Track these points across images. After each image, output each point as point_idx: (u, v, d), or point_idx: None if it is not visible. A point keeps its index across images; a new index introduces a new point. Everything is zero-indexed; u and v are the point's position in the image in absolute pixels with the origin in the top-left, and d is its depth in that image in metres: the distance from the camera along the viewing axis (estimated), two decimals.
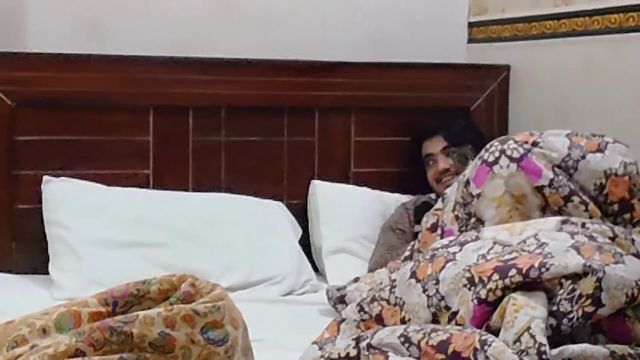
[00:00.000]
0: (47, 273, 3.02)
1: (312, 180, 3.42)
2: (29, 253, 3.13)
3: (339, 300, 2.69)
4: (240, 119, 3.36)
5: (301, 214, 3.36)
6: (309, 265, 3.22)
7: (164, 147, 3.29)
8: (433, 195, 3.27)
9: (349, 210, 3.35)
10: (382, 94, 3.56)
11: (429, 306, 2.27)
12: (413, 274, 2.33)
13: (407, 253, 2.74)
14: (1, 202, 3.13)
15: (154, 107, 3.28)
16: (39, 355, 1.96)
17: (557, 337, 2.07)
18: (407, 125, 3.51)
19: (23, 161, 3.17)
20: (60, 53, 3.21)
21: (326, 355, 2.27)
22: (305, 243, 3.31)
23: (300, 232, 3.29)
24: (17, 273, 3.10)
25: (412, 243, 2.77)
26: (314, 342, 2.35)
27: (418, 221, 3.02)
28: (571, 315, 2.09)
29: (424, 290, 2.29)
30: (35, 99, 3.16)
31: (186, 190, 3.30)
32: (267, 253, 3.13)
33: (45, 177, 3.15)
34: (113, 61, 3.26)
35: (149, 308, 1.99)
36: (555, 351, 1.98)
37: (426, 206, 3.08)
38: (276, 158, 3.43)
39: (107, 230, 3.05)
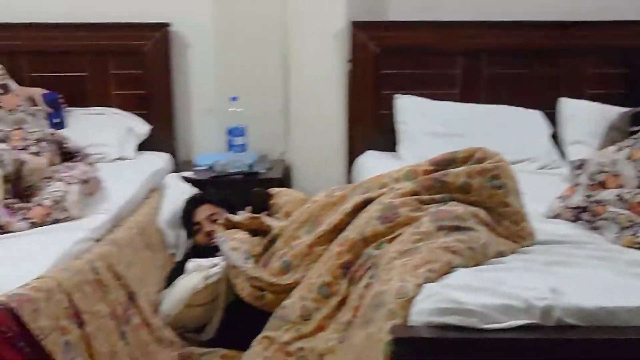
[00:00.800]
0: (395, 151, 3.13)
1: (559, 98, 3.20)
2: (385, 140, 3.19)
3: (577, 167, 2.60)
4: (508, 59, 3.23)
5: (552, 119, 3.20)
6: (556, 151, 3.09)
7: (466, 78, 3.22)
8: None
9: (586, 117, 3.11)
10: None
11: (637, 177, 2.14)
12: (629, 156, 2.19)
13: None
14: (372, 108, 3.21)
15: (461, 52, 3.21)
16: (393, 193, 2.05)
17: None
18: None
19: (385, 85, 3.20)
20: (405, 20, 3.21)
21: (565, 205, 2.25)
22: (555, 137, 3.16)
23: (551, 129, 3.14)
24: (380, 150, 3.19)
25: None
26: (558, 197, 2.32)
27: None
28: None
29: (635, 167, 2.16)
30: (392, 48, 3.18)
31: (480, 103, 3.20)
32: (529, 142, 3.02)
33: (396, 95, 3.20)
34: (437, 25, 3.19)
35: (457, 167, 2.04)
36: None
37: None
38: (535, 85, 3.23)
39: (431, 126, 3.07)
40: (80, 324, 1.71)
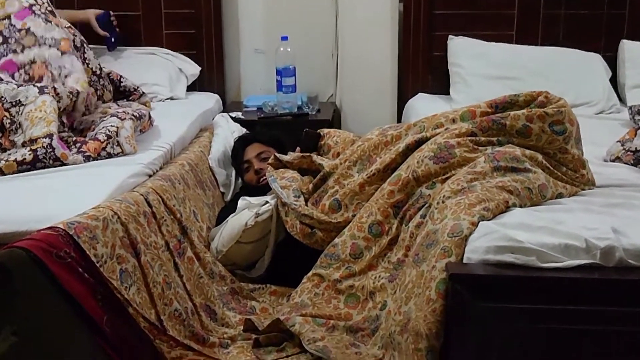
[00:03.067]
0: (448, 94, 3.08)
1: (621, 40, 3.10)
2: (437, 82, 3.16)
3: (638, 112, 2.52)
4: None
5: (611, 62, 3.09)
6: (615, 95, 3.01)
7: (523, 18, 3.12)
8: None
9: None
10: None
11: None
12: None
13: None
14: (424, 50, 3.16)
15: None
16: (449, 133, 2.03)
17: None
18: None
19: (438, 26, 3.15)
20: None
21: (625, 149, 2.18)
22: (613, 81, 3.07)
23: (610, 73, 3.05)
24: (432, 93, 3.16)
25: None
26: (617, 141, 2.26)
27: None
28: None
29: None
30: None
31: (536, 45, 3.12)
32: (587, 85, 2.95)
33: (449, 36, 3.13)
34: None
35: (517, 110, 1.99)
36: None
37: None
38: (595, 27, 3.12)
39: (486, 69, 3.01)
40: (136, 254, 1.74)
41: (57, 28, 2.31)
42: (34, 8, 2.31)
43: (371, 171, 2.11)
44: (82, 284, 1.54)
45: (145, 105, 2.65)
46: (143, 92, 2.69)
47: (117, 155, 2.16)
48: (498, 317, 1.48)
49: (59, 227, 1.55)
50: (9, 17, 2.27)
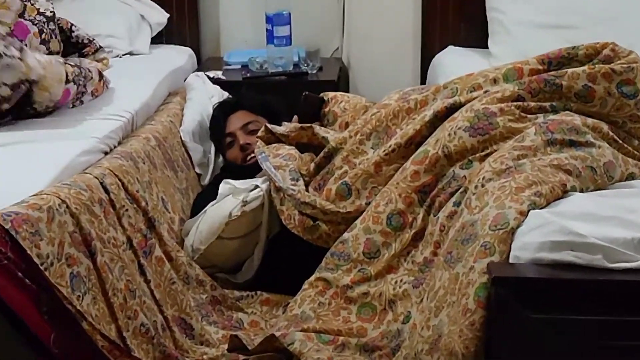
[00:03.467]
0: (486, 47, 3.06)
1: None
2: (472, 32, 3.16)
3: None
4: None
5: None
6: None
7: None
8: None
9: None
10: None
11: None
12: None
13: None
14: None
15: None
16: (489, 97, 2.03)
17: None
18: None
19: None
20: None
21: None
22: None
23: None
24: (465, 46, 3.17)
25: None
26: None
27: None
28: None
29: None
30: None
31: None
32: None
33: None
34: None
35: (576, 67, 1.99)
36: None
37: None
38: None
39: (534, 15, 2.99)
40: (91, 253, 1.74)
41: None
42: None
43: (389, 146, 2.11)
44: (22, 292, 1.54)
45: (102, 64, 2.64)
46: (100, 47, 2.68)
47: None
48: (554, 332, 1.48)
49: None
50: None
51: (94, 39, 2.70)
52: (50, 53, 2.46)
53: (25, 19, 2.41)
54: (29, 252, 1.56)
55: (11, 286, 1.52)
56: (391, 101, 2.25)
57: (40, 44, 2.44)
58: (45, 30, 2.47)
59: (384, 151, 2.12)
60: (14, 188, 1.74)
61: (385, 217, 2.02)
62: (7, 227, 1.54)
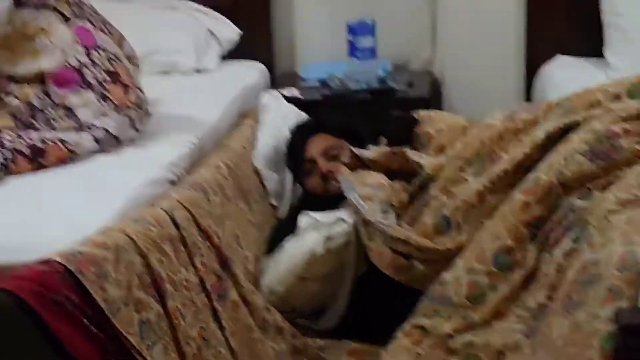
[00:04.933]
0: (602, 56, 3.04)
1: None
2: (585, 40, 3.14)
3: None
4: None
5: None
6: None
7: None
8: None
9: None
10: None
11: None
12: None
13: None
14: None
15: None
16: (611, 116, 2.01)
17: None
18: None
19: None
20: None
21: None
22: None
23: None
24: (577, 56, 3.16)
25: None
26: None
27: None
28: None
29: None
30: None
31: None
32: None
33: None
34: None
35: None
36: None
37: None
38: None
39: None
40: (161, 297, 1.77)
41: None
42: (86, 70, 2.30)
43: (495, 173, 2.10)
44: (87, 341, 1.57)
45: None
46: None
47: None
48: None
49: (55, 261, 1.59)
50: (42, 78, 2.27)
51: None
52: None
53: None
54: (95, 296, 1.60)
55: (76, 335, 1.55)
56: (495, 121, 2.24)
57: None
58: None
59: (488, 179, 2.11)
60: (78, 221, 1.79)
61: (491, 256, 2.01)
62: (72, 268, 1.58)
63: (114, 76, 2.29)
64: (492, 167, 2.14)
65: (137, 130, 2.31)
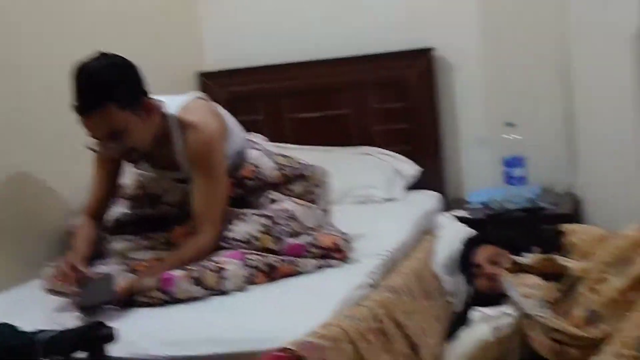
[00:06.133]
0: None
1: None
2: None
3: None
4: None
5: None
6: None
7: None
8: None
9: None
10: None
11: None
12: None
13: None
14: None
15: None
16: None
17: None
18: None
19: None
20: None
21: None
22: None
23: None
24: None
25: None
26: None
27: None
28: None
29: None
30: None
31: None
32: None
33: None
34: None
35: None
36: None
37: None
38: None
39: None
40: None
41: None
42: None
43: (633, 274, 2.01)
44: None
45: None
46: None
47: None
48: None
49: (289, 349, 1.64)
50: None
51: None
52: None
53: None
54: None
55: None
56: (630, 231, 2.16)
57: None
58: None
59: (627, 278, 2.02)
60: (303, 319, 1.84)
61: (634, 342, 1.91)
62: (303, 354, 1.63)
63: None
64: (629, 269, 2.06)
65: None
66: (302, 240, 2.28)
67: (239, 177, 2.39)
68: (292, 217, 2.32)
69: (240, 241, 2.22)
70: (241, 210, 2.30)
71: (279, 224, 2.27)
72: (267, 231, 2.25)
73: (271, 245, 2.22)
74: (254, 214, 2.29)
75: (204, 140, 2.22)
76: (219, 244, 2.23)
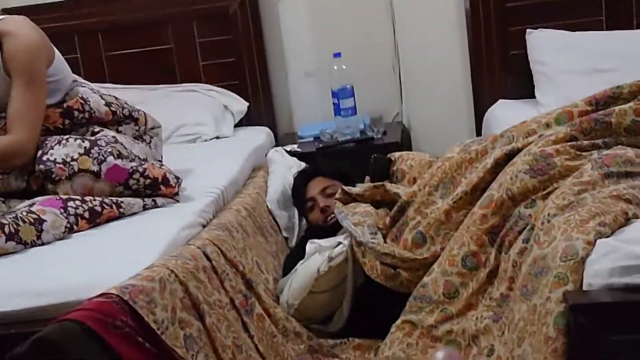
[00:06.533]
0: (533, 97, 3.02)
1: None
2: (519, 86, 3.10)
3: None
4: None
5: None
6: None
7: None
8: None
9: None
10: None
11: None
12: None
13: None
14: (500, 49, 3.12)
15: None
16: (544, 141, 1.99)
17: None
18: None
19: (513, 19, 3.09)
20: None
21: None
22: None
23: None
24: (514, 99, 3.12)
25: None
26: None
27: None
28: None
29: None
30: None
31: (631, 29, 3.02)
32: None
33: (528, 30, 3.08)
34: None
35: (623, 104, 1.95)
36: None
37: None
38: None
39: (575, 63, 2.93)
40: (200, 316, 1.74)
41: None
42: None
43: (457, 195, 2.08)
44: (143, 356, 1.54)
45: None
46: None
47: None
48: (635, 352, 1.42)
49: (112, 294, 1.56)
50: None
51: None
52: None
53: None
54: (146, 319, 1.57)
55: (134, 351, 1.53)
56: (453, 154, 2.23)
57: None
58: None
59: (452, 199, 2.09)
60: (128, 263, 1.76)
61: (460, 259, 1.98)
62: (125, 298, 1.56)
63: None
64: (454, 190, 2.13)
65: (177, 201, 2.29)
66: (127, 165, 2.17)
67: (66, 107, 2.27)
68: (117, 142, 2.21)
69: (58, 162, 2.10)
70: (62, 136, 2.17)
71: (100, 146, 2.15)
72: (86, 152, 2.13)
73: (91, 166, 2.10)
74: (75, 138, 2.16)
75: (22, 47, 2.13)
76: (37, 167, 2.11)
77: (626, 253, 1.50)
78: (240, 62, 3.31)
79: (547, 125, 2.06)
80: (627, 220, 1.67)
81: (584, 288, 1.53)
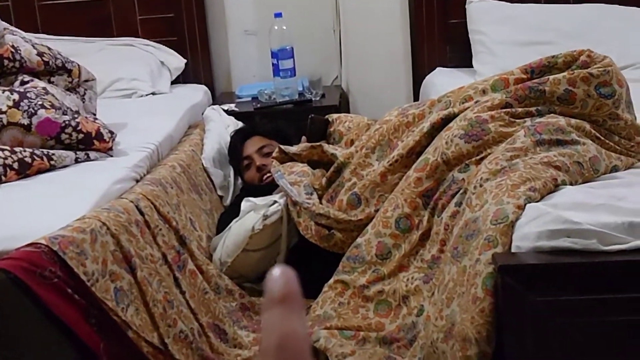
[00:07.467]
0: (471, 66, 3.06)
1: None
2: (458, 54, 3.15)
3: None
4: None
5: None
6: None
7: None
8: None
9: None
10: None
11: None
12: None
13: None
14: (439, 17, 3.15)
15: None
16: (480, 107, 2.02)
17: None
18: None
19: None
20: None
21: None
22: None
23: None
24: (452, 67, 3.16)
25: None
26: None
27: None
28: None
29: None
30: None
31: (569, 3, 3.09)
32: (631, 46, 2.90)
33: (468, 0, 3.10)
34: None
35: (557, 73, 1.98)
36: None
37: None
38: None
39: (513, 34, 3.01)
40: (131, 269, 1.73)
41: None
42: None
43: (393, 157, 2.10)
44: (72, 307, 1.53)
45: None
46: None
47: None
48: (558, 312, 1.47)
49: (40, 243, 1.53)
50: None
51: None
52: None
53: None
54: (76, 270, 1.55)
55: (62, 302, 1.51)
56: (391, 117, 2.24)
57: None
58: None
59: (388, 162, 2.11)
60: (59, 215, 1.73)
61: (393, 221, 2.00)
62: (55, 248, 1.53)
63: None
64: (390, 153, 2.14)
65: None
66: (60, 118, 2.11)
67: None
68: (47, 93, 2.15)
69: None
70: None
71: (30, 99, 2.09)
72: (15, 105, 2.06)
73: (21, 119, 2.04)
74: (3, 90, 2.09)
75: None
76: None
77: (554, 217, 1.54)
78: (179, 18, 3.26)
79: (484, 92, 2.08)
80: (556, 187, 1.72)
81: (513, 250, 1.56)
